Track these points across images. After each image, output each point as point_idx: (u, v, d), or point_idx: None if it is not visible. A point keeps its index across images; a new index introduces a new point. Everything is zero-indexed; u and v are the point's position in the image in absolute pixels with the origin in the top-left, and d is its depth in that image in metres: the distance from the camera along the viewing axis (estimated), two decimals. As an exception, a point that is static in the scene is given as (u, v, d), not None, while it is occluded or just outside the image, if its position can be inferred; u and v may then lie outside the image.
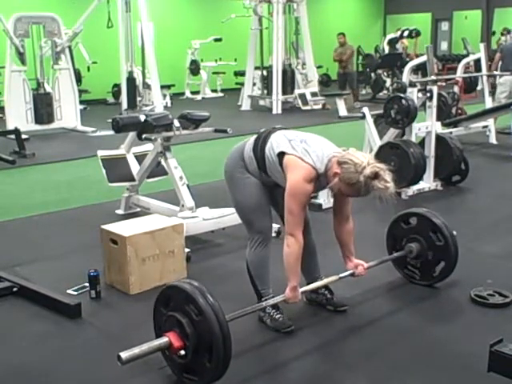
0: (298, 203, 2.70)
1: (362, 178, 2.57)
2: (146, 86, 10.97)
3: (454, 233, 3.39)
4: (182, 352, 2.43)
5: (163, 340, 2.47)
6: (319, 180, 2.74)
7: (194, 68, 14.25)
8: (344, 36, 12.03)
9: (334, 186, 2.70)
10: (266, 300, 3.00)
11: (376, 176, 2.57)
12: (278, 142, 2.80)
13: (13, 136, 7.62)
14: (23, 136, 7.83)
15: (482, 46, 8.52)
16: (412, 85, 5.64)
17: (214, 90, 14.81)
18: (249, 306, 3.14)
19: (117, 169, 4.89)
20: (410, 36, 15.43)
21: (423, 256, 3.40)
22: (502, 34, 17.19)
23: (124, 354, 2.37)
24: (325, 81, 14.62)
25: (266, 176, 2.88)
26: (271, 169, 2.83)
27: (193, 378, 2.50)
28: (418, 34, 16.33)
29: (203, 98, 14.27)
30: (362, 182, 2.58)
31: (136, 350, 2.42)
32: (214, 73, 14.64)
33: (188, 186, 4.43)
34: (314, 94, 11.63)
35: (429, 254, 3.39)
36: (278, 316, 3.00)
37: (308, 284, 3.23)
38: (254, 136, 2.96)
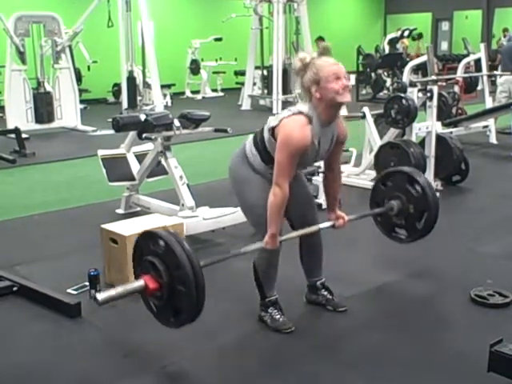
0: (287, 154, 2.67)
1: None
2: (147, 86, 10.97)
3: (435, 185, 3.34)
4: (158, 293, 2.46)
5: (139, 283, 2.49)
6: (313, 127, 2.70)
7: (195, 67, 14.24)
8: (318, 40, 11.96)
9: (325, 113, 2.71)
10: (269, 300, 3.00)
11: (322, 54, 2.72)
12: (267, 124, 2.82)
13: (13, 135, 7.62)
14: (23, 135, 7.82)
15: (482, 45, 8.51)
16: (412, 85, 5.64)
17: (215, 90, 14.81)
18: (249, 306, 3.15)
19: (117, 168, 4.89)
20: (412, 37, 15.47)
21: (405, 211, 3.34)
22: (504, 36, 17.20)
23: (100, 296, 2.40)
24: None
25: (271, 169, 2.84)
26: (274, 152, 2.79)
27: (172, 319, 2.52)
28: (420, 36, 16.36)
29: (203, 97, 14.26)
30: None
31: (112, 292, 2.44)
32: (214, 72, 14.64)
33: (188, 185, 4.43)
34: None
35: (410, 208, 3.33)
36: (279, 316, 3.00)
37: (308, 284, 3.24)
38: (252, 135, 2.96)
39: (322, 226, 3.01)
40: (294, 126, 2.68)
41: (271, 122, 2.79)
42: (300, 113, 2.71)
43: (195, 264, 2.40)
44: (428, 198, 3.31)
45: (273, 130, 2.76)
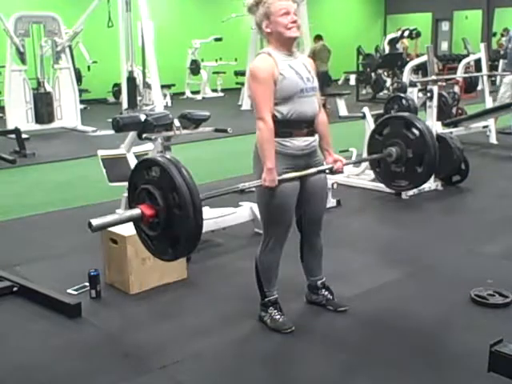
0: (258, 84, 2.73)
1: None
2: (147, 86, 10.96)
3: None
4: (155, 219, 2.39)
5: (135, 210, 2.42)
6: (274, 55, 2.77)
7: (195, 68, 14.25)
8: (317, 39, 11.88)
9: (279, 47, 2.79)
10: (269, 299, 3.00)
11: None
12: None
13: (13, 135, 7.62)
14: (23, 135, 7.82)
15: (482, 46, 8.51)
16: (412, 85, 5.65)
17: (215, 90, 14.82)
18: (249, 306, 3.16)
19: (117, 168, 4.88)
20: (409, 37, 15.41)
21: (404, 156, 3.29)
22: (502, 35, 17.19)
23: (95, 222, 2.33)
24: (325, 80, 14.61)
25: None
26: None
27: (170, 250, 2.46)
28: (418, 34, 16.32)
29: (203, 97, 14.27)
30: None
31: (107, 219, 2.38)
32: (214, 72, 14.65)
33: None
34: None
35: (408, 152, 3.28)
36: (279, 316, 3.00)
37: (308, 284, 3.24)
38: None
39: (320, 168, 2.96)
40: (255, 62, 2.81)
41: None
42: (257, 54, 2.85)
43: (191, 184, 2.33)
44: (426, 140, 3.25)
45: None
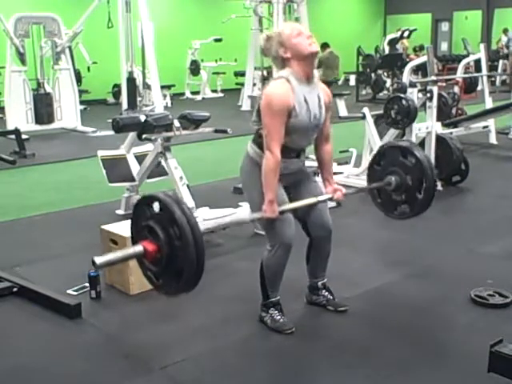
0: (272, 115, 2.71)
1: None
2: (147, 86, 10.96)
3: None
4: (157, 255, 2.41)
5: (137, 247, 2.44)
6: (293, 84, 2.75)
7: (194, 68, 14.25)
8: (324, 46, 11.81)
9: (300, 70, 2.77)
10: (271, 301, 3.01)
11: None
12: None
13: (13, 136, 7.61)
14: (23, 136, 7.82)
15: (482, 46, 8.51)
16: (412, 85, 5.64)
17: (214, 91, 14.81)
18: (249, 307, 3.15)
19: (117, 169, 4.89)
20: (413, 49, 15.46)
21: (404, 184, 3.29)
22: (506, 35, 17.16)
23: (98, 260, 2.35)
24: (325, 81, 14.62)
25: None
26: None
27: (173, 284, 2.47)
28: (421, 48, 16.38)
29: (203, 98, 14.27)
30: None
31: (111, 256, 2.40)
32: (214, 73, 14.64)
33: (188, 186, 4.43)
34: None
35: (407, 179, 3.28)
36: (279, 317, 3.00)
37: (309, 285, 3.24)
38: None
39: (320, 198, 2.99)
40: (272, 87, 2.77)
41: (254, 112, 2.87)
42: (276, 78, 2.81)
43: (191, 217, 2.35)
44: (424, 166, 3.25)
45: (258, 111, 2.81)
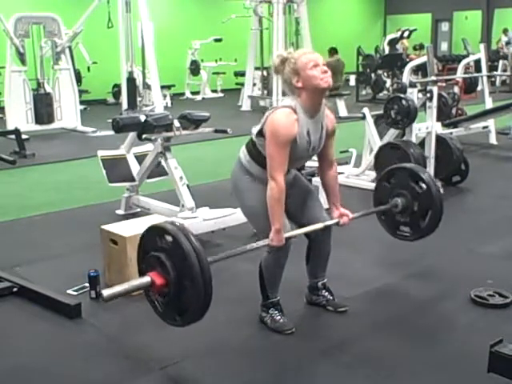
0: (276, 145, 2.70)
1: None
2: (147, 87, 10.96)
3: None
4: (165, 289, 2.42)
5: (145, 279, 2.44)
6: (299, 117, 2.73)
7: (194, 68, 14.25)
8: (332, 51, 11.75)
9: (309, 102, 2.74)
10: (271, 301, 3.01)
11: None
12: (253, 130, 2.87)
13: (13, 136, 7.61)
14: (23, 136, 7.82)
15: (482, 46, 8.51)
16: (412, 85, 5.64)
17: (214, 91, 14.81)
18: (249, 307, 3.15)
19: (117, 169, 4.89)
20: (413, 48, 15.45)
21: (409, 208, 3.33)
22: (505, 35, 17.15)
23: (106, 292, 2.37)
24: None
25: None
26: None
27: (178, 317, 2.48)
28: (421, 46, 16.39)
29: (203, 98, 14.27)
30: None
31: (118, 288, 2.40)
32: (214, 73, 14.64)
33: (188, 186, 4.43)
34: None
35: (414, 205, 3.32)
36: (279, 317, 3.00)
37: (309, 285, 3.24)
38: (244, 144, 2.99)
39: (327, 223, 3.01)
40: (279, 116, 2.73)
41: (257, 127, 2.83)
42: (284, 106, 2.76)
43: (203, 259, 2.35)
44: (433, 196, 3.28)
45: (261, 132, 2.79)
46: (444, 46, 20.51)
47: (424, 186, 3.30)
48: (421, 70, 10.34)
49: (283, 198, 2.76)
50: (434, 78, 5.58)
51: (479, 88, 9.44)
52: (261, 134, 2.79)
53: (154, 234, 2.52)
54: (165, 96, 12.17)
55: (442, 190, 3.38)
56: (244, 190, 2.93)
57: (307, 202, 3.06)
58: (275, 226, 2.76)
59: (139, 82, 11.04)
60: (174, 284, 2.40)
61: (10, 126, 8.54)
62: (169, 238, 2.42)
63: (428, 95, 5.48)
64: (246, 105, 12.33)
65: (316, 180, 4.99)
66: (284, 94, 2.87)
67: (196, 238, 2.40)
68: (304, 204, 3.03)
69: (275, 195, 2.73)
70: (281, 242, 2.78)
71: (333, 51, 11.52)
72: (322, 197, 3.51)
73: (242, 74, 13.13)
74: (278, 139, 2.69)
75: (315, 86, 2.72)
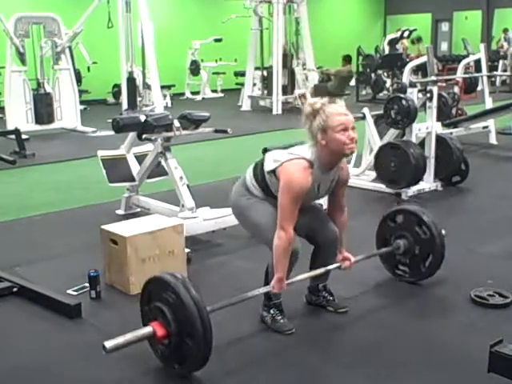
0: (290, 198, 2.70)
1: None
2: (147, 87, 10.96)
3: (443, 232, 3.42)
4: (166, 341, 2.51)
5: (147, 329, 2.52)
6: (314, 172, 2.74)
7: (194, 68, 14.25)
8: (346, 59, 11.57)
9: (327, 160, 2.74)
10: (273, 303, 3.01)
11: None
12: (267, 162, 2.85)
13: (13, 136, 7.61)
14: (23, 136, 7.82)
15: (482, 46, 8.51)
16: (412, 85, 5.64)
17: (214, 91, 14.81)
18: (249, 307, 3.15)
19: (117, 169, 4.89)
20: (411, 41, 15.41)
21: (411, 251, 3.40)
22: (505, 38, 17.13)
23: (108, 344, 2.42)
24: (325, 81, 14.61)
25: (274, 199, 2.84)
26: (276, 191, 2.82)
27: (177, 365, 2.56)
28: (419, 39, 16.34)
29: (203, 98, 14.27)
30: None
31: (120, 340, 2.45)
32: (214, 73, 14.64)
33: (188, 186, 4.43)
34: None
35: (416, 249, 3.39)
36: (280, 317, 3.00)
37: (309, 286, 3.24)
38: (252, 165, 2.99)
39: (328, 267, 3.07)
40: (295, 169, 2.71)
41: (270, 163, 2.81)
42: (302, 158, 2.74)
43: (205, 318, 2.43)
44: (435, 242, 3.35)
45: (274, 172, 2.79)
46: (444, 46, 20.51)
47: (428, 232, 3.36)
48: (421, 70, 10.34)
49: (290, 249, 2.78)
50: (433, 78, 5.59)
51: (479, 88, 9.45)
52: (274, 173, 2.80)
53: (156, 285, 2.60)
54: (165, 96, 12.17)
55: (443, 233, 3.43)
56: (246, 209, 2.95)
57: (315, 216, 3.09)
58: (278, 274, 2.79)
59: (139, 81, 11.04)
60: (175, 338, 2.48)
61: (10, 126, 8.54)
62: (171, 292, 2.49)
63: (428, 95, 5.49)
64: (246, 105, 12.33)
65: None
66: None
67: (196, 289, 2.48)
68: (312, 218, 3.04)
69: (284, 245, 2.74)
70: (282, 288, 2.83)
71: (347, 59, 11.43)
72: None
73: (242, 74, 13.13)
74: (291, 193, 2.70)
75: (339, 151, 2.71)
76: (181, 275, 2.55)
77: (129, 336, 2.47)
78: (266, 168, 2.85)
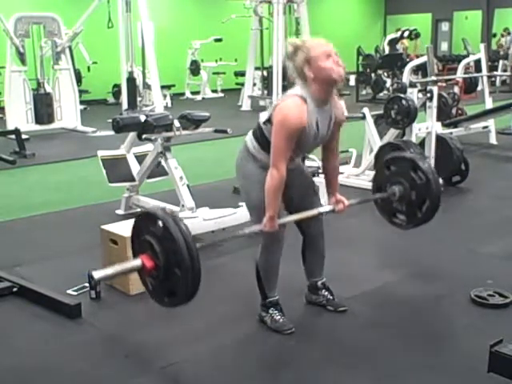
0: (283, 136, 2.68)
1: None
2: (147, 86, 10.96)
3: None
4: (154, 272, 2.46)
5: (136, 262, 2.48)
6: (308, 108, 2.71)
7: (195, 68, 14.25)
8: None
9: (319, 92, 2.72)
10: (270, 300, 3.01)
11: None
12: (261, 117, 2.86)
13: (13, 136, 7.62)
14: (23, 136, 7.82)
15: (482, 46, 8.51)
16: (412, 85, 5.64)
17: (214, 91, 14.81)
18: (249, 307, 3.16)
19: (117, 169, 4.89)
20: (409, 37, 15.37)
21: (407, 197, 3.28)
22: (503, 36, 17.18)
23: (96, 274, 2.38)
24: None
25: None
26: None
27: (166, 299, 2.52)
28: (417, 35, 16.30)
29: (203, 98, 14.27)
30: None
31: (109, 270, 2.43)
32: (214, 73, 14.64)
33: (188, 186, 4.43)
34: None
35: (412, 194, 3.28)
36: (279, 317, 3.00)
37: (309, 284, 3.24)
38: (251, 131, 2.97)
39: (321, 209, 2.99)
40: (289, 106, 2.70)
41: (264, 115, 2.83)
42: (294, 95, 2.74)
43: (192, 248, 2.37)
44: (431, 187, 3.25)
45: (269, 119, 2.78)
46: (444, 46, 20.51)
47: (423, 177, 3.26)
48: (421, 70, 10.34)
49: (283, 186, 2.75)
50: (434, 78, 5.58)
51: (479, 88, 9.45)
52: (269, 121, 2.77)
53: (145, 219, 2.56)
54: (165, 96, 12.17)
55: (441, 181, 3.35)
56: (251, 180, 2.90)
57: (307, 195, 3.06)
58: (269, 213, 2.75)
59: (139, 81, 11.04)
60: (163, 269, 2.43)
61: (10, 126, 8.54)
62: (159, 224, 2.44)
63: (428, 95, 5.48)
64: (246, 105, 12.33)
65: (317, 180, 5.00)
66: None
67: (185, 224, 2.43)
68: (304, 196, 3.03)
69: (276, 183, 2.72)
70: (274, 227, 2.76)
71: None
72: (323, 198, 3.50)
73: (242, 74, 13.13)
74: (285, 129, 2.67)
75: (327, 77, 2.69)
76: (170, 210, 2.52)
77: (117, 267, 2.45)
78: (261, 121, 2.83)
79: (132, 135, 4.83)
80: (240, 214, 4.30)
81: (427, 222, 3.35)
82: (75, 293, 3.48)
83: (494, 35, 18.51)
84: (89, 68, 12.66)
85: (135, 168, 4.91)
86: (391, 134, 5.66)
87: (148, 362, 2.75)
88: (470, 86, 9.33)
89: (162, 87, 10.84)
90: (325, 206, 3.07)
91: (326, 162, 3.07)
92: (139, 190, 5.00)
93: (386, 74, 13.42)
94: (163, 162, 4.54)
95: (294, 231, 3.08)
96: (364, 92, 14.06)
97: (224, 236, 2.76)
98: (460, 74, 8.98)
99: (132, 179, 4.86)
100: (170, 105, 12.44)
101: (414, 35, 15.74)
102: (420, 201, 3.28)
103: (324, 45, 2.74)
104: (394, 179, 3.35)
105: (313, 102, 2.73)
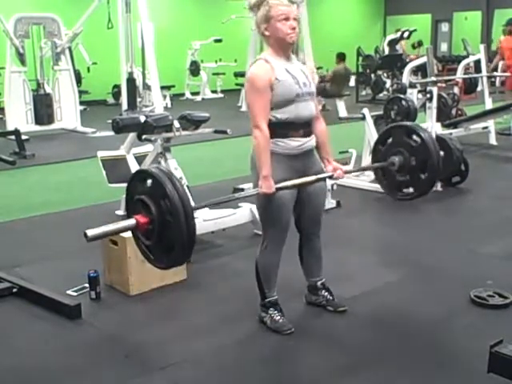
0: (254, 93, 2.75)
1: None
2: (146, 87, 10.95)
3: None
4: (149, 226, 2.45)
5: (130, 221, 2.47)
6: (275, 61, 2.78)
7: (194, 69, 14.25)
8: (339, 58, 11.57)
9: (276, 51, 2.80)
10: (269, 300, 3.01)
11: None
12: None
13: (13, 137, 7.61)
14: (23, 137, 7.82)
15: (481, 46, 8.52)
16: (412, 86, 5.65)
17: (214, 91, 14.82)
18: (249, 307, 3.16)
19: (117, 169, 4.89)
20: (412, 46, 15.41)
21: (407, 164, 3.25)
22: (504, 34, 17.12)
23: (90, 232, 2.37)
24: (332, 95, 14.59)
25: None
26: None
27: (164, 258, 2.52)
28: (419, 43, 16.34)
29: (203, 98, 14.27)
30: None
31: (103, 228, 2.42)
32: (214, 74, 14.65)
33: (188, 186, 4.42)
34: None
35: (412, 160, 3.24)
36: (279, 317, 3.00)
37: (308, 285, 3.24)
38: None
39: (320, 176, 2.96)
40: (252, 69, 2.81)
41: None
42: (254, 61, 2.84)
43: (179, 188, 2.38)
44: (429, 147, 3.21)
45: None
46: (444, 47, 20.52)
47: (419, 139, 3.23)
48: (421, 70, 10.34)
49: (269, 145, 2.77)
50: (433, 78, 5.59)
51: (479, 88, 9.46)
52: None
53: (136, 179, 2.59)
54: (165, 97, 12.17)
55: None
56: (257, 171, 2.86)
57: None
58: (263, 172, 2.75)
59: (139, 82, 11.03)
60: (157, 221, 2.43)
61: (10, 127, 8.53)
62: (149, 180, 2.46)
63: (428, 96, 5.49)
64: (245, 105, 12.32)
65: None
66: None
67: (170, 170, 2.45)
68: (307, 197, 3.00)
69: (261, 143, 2.75)
70: (269, 188, 2.74)
71: (340, 57, 11.44)
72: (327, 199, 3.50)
73: (242, 75, 13.12)
74: (255, 86, 2.75)
75: (280, 39, 2.78)
76: (174, 176, 2.50)
77: (111, 226, 2.44)
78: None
79: (132, 136, 4.83)
80: (240, 215, 4.30)
81: (433, 186, 3.30)
82: (75, 293, 3.48)
83: (492, 41, 18.45)
84: (88, 69, 12.66)
85: (135, 169, 4.91)
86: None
87: (148, 362, 2.75)
88: (469, 86, 9.34)
89: (162, 88, 10.82)
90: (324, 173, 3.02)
91: (312, 128, 3.01)
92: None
93: (385, 74, 13.41)
94: (163, 163, 4.54)
95: (294, 232, 3.08)
96: (364, 92, 14.06)
97: (217, 199, 2.74)
98: (460, 75, 8.99)
99: (132, 180, 4.85)
100: (169, 105, 12.44)
101: (416, 44, 15.80)
102: (421, 164, 3.24)
103: (285, 6, 2.81)
104: (392, 151, 3.32)
105: (275, 59, 2.81)
